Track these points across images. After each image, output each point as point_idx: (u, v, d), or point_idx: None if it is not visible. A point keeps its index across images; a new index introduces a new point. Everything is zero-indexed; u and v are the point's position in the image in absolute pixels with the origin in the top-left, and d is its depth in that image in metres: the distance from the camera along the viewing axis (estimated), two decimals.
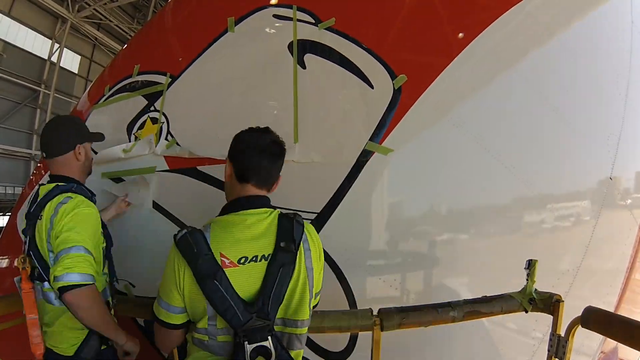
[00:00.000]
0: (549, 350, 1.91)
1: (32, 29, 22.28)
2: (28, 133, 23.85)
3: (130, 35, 28.52)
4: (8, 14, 20.66)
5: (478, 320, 2.04)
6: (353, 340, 2.25)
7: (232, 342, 1.35)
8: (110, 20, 25.67)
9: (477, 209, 2.37)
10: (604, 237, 2.63)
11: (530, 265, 1.97)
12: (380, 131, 2.24)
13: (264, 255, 1.37)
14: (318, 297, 1.59)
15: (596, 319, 1.73)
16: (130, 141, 2.62)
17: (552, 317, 1.92)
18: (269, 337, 1.35)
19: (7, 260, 2.96)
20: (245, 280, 1.35)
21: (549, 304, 1.93)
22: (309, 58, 2.44)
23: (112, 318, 1.85)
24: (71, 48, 25.14)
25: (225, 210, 1.48)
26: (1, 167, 22.59)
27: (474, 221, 2.37)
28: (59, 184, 1.87)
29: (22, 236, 1.89)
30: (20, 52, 21.93)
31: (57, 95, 24.18)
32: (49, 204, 1.78)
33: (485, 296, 2.02)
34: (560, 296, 1.92)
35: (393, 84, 2.29)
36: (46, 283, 1.80)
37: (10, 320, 2.46)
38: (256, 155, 1.46)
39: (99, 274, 1.89)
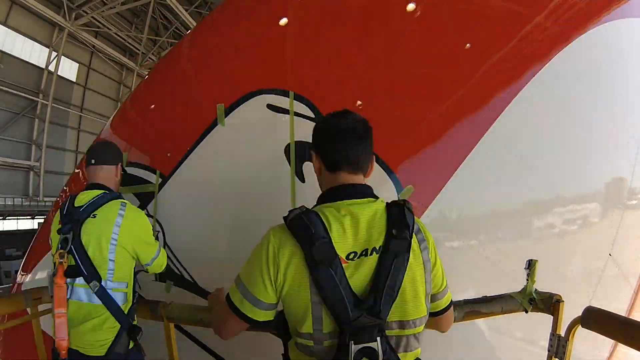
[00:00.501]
0: (549, 350, 1.90)
1: (29, 38, 22.37)
2: (27, 143, 23.88)
3: (128, 43, 28.64)
4: (4, 24, 20.74)
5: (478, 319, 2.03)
6: None
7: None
8: (108, 29, 25.78)
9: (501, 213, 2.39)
10: (625, 239, 2.70)
11: (531, 265, 1.96)
12: None
13: (374, 247, 1.21)
14: (448, 293, 1.45)
15: (597, 319, 1.72)
16: None
17: (552, 317, 1.91)
18: (378, 338, 1.19)
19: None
20: (355, 277, 1.20)
21: (549, 304, 1.91)
22: (307, 168, 2.20)
23: None
24: (69, 56, 25.23)
25: (321, 201, 1.33)
26: (1, 178, 22.64)
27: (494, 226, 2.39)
28: (105, 191, 2.07)
29: (57, 235, 1.96)
30: (17, 62, 22.02)
31: (55, 105, 24.23)
32: (104, 207, 1.98)
33: (485, 296, 2.00)
34: (560, 296, 1.91)
35: (398, 197, 2.12)
36: (79, 279, 1.90)
37: (11, 320, 2.51)
38: (341, 140, 1.34)
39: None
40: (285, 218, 1.26)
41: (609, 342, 2.70)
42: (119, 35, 27.45)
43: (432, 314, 1.41)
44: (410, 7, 2.39)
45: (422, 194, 2.17)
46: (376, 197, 1.32)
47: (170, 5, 23.71)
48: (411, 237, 1.24)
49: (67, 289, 1.88)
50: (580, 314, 1.77)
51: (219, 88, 2.48)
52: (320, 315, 1.18)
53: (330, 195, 1.32)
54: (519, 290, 2.00)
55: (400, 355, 1.23)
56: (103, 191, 2.06)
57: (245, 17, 2.69)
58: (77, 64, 26.65)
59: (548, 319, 1.93)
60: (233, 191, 2.33)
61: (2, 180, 22.78)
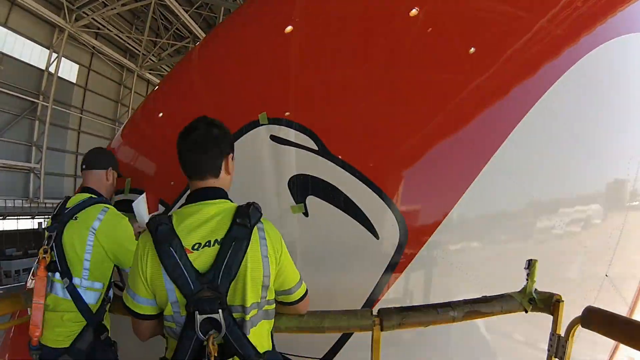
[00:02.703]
0: (548, 350, 1.89)
1: (29, 39, 22.36)
2: (27, 145, 23.85)
3: (128, 44, 28.64)
4: (4, 25, 20.73)
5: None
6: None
7: None
8: (108, 30, 25.77)
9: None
10: (627, 244, 2.74)
11: (530, 265, 1.96)
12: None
13: (217, 239, 1.40)
14: (302, 285, 1.65)
15: (597, 319, 1.71)
16: None
17: (552, 317, 1.91)
18: (220, 311, 1.36)
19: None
20: (200, 262, 1.39)
21: (549, 303, 1.91)
22: (311, 202, 2.18)
23: None
24: (69, 57, 25.22)
25: (184, 203, 1.53)
26: (0, 180, 22.60)
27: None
28: (92, 195, 2.23)
29: (46, 232, 2.15)
30: (17, 63, 21.99)
31: (55, 106, 24.22)
32: (86, 210, 2.14)
33: (485, 296, 2.00)
34: (560, 296, 1.91)
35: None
36: (57, 274, 2.07)
37: (13, 320, 2.52)
38: (187, 150, 1.53)
39: None
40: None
41: (610, 342, 2.71)
42: (119, 37, 27.46)
43: (288, 303, 1.65)
44: None
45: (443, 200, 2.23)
46: (230, 200, 1.52)
47: (170, 7, 23.72)
48: (252, 227, 1.43)
49: (48, 282, 2.06)
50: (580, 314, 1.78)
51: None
52: (176, 300, 1.37)
53: (188, 198, 1.52)
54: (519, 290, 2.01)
55: (251, 330, 1.42)
56: (90, 195, 2.23)
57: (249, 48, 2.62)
58: (78, 66, 26.62)
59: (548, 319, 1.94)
60: None
61: (2, 182, 22.74)
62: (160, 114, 2.85)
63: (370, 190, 2.11)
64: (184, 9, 24.53)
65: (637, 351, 1.51)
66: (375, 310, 1.93)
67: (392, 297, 2.16)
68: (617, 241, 2.71)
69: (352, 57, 2.36)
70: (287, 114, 2.28)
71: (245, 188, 2.24)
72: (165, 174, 2.55)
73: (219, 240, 1.40)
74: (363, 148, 2.21)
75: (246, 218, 1.43)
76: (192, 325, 1.35)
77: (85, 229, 2.09)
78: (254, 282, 1.43)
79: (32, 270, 2.22)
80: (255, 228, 1.45)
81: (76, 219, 2.12)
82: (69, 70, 25.87)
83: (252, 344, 1.41)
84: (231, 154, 1.62)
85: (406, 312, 1.89)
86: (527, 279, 1.97)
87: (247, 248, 1.41)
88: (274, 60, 2.47)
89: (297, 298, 1.65)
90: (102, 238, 2.09)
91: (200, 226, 1.42)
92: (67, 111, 26.11)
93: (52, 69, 23.71)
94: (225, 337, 1.37)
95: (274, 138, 2.27)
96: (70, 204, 2.19)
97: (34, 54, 22.91)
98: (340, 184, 2.10)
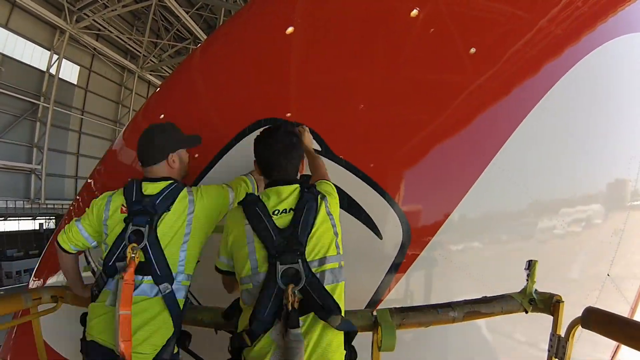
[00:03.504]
0: (549, 351, 1.89)
1: (30, 41, 22.43)
2: (28, 146, 23.91)
3: (129, 45, 28.69)
4: (5, 26, 20.79)
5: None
6: None
7: None
8: (109, 31, 25.83)
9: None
10: (628, 244, 2.76)
11: (530, 265, 1.96)
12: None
13: (291, 208, 1.63)
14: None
15: (596, 320, 1.71)
16: None
17: (552, 317, 1.92)
18: (299, 261, 1.51)
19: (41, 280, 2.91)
20: (280, 222, 1.60)
21: (549, 304, 1.92)
22: None
23: None
24: (70, 59, 25.28)
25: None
26: (1, 181, 22.67)
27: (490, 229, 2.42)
28: (172, 181, 1.86)
29: (122, 223, 1.77)
30: (18, 65, 22.07)
31: (56, 108, 24.28)
32: (177, 200, 1.81)
33: (486, 297, 2.00)
34: (560, 296, 1.91)
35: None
36: (146, 277, 1.70)
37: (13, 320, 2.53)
38: (275, 154, 1.72)
39: None
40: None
41: (611, 342, 2.71)
42: (120, 38, 27.52)
43: None
44: None
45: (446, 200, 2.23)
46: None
47: (171, 8, 23.77)
48: (317, 194, 1.67)
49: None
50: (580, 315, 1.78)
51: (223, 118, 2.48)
52: (255, 256, 1.56)
53: (267, 185, 1.76)
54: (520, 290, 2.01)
55: (328, 287, 1.55)
56: (170, 182, 1.84)
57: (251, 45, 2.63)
58: (78, 67, 26.71)
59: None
60: None
61: (3, 183, 22.80)
62: (162, 116, 2.85)
63: (374, 190, 2.11)
64: (184, 10, 24.59)
65: (637, 351, 1.51)
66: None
67: (395, 298, 2.15)
68: (618, 241, 2.71)
69: (355, 57, 2.36)
70: (288, 114, 2.28)
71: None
72: None
73: (293, 208, 1.62)
74: (366, 148, 2.21)
75: (312, 188, 1.69)
76: (274, 277, 1.50)
77: (181, 216, 1.77)
78: (326, 233, 1.61)
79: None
80: (319, 197, 1.67)
81: (169, 210, 1.76)
82: (69, 72, 25.95)
83: (332, 297, 1.53)
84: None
85: (406, 313, 1.88)
86: (527, 280, 1.97)
87: (318, 208, 1.63)
88: (276, 61, 2.47)
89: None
90: (197, 214, 1.80)
91: (280, 200, 1.65)
92: (68, 112, 26.17)
93: (52, 71, 23.80)
94: (304, 291, 1.50)
95: None
96: (150, 192, 1.80)
97: (34, 56, 22.99)
98: (343, 185, 2.09)
